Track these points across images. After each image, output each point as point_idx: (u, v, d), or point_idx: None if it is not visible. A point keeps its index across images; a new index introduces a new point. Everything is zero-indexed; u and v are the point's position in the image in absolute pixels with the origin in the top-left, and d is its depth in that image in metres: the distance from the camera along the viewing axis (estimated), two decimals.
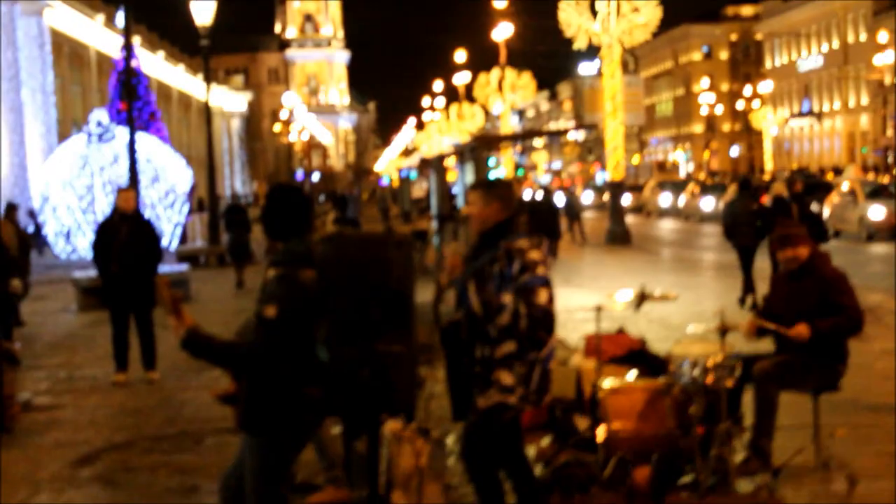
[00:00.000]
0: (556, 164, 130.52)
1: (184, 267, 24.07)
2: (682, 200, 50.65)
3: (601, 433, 7.65)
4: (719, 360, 7.47)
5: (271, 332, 5.12)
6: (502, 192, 6.34)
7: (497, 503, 6.19)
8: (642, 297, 8.16)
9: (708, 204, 46.18)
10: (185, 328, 5.17)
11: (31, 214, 35.25)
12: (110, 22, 56.79)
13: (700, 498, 7.26)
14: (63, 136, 50.62)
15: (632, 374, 8.28)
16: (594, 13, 33.20)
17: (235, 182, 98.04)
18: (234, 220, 25.48)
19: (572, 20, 33.15)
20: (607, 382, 7.84)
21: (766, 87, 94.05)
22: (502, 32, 56.08)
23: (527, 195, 33.66)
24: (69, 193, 34.36)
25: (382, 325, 5.02)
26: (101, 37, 61.04)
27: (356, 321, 4.99)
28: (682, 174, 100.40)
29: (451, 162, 28.45)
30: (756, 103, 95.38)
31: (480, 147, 19.84)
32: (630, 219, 46.00)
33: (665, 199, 54.14)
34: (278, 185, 5.79)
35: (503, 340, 5.96)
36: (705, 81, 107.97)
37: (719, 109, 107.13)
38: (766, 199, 17.84)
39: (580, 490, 7.42)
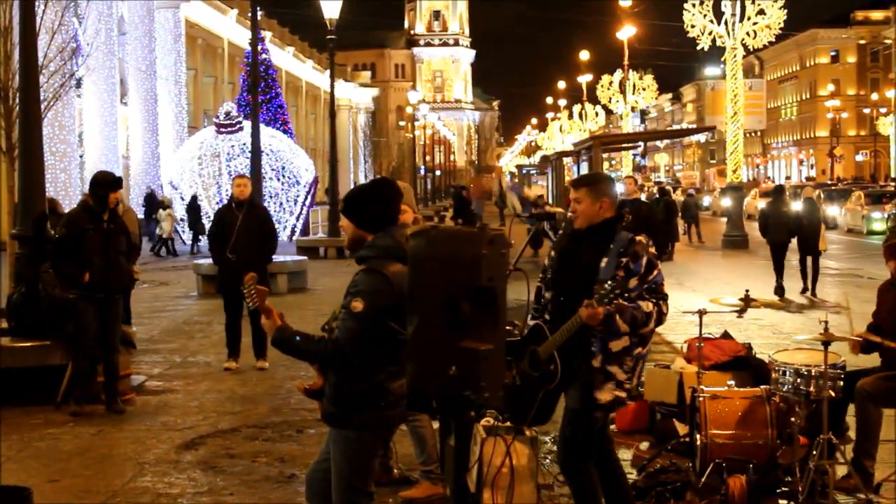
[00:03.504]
0: (678, 167, 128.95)
1: (302, 258, 24.40)
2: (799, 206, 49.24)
3: (698, 439, 7.59)
4: (822, 371, 7.33)
5: (358, 326, 5.15)
6: (608, 189, 6.30)
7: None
8: (746, 304, 8.07)
9: (832, 212, 44.93)
10: (274, 327, 5.26)
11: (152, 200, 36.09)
12: (243, 16, 57.74)
13: None
14: (194, 126, 51.73)
15: (729, 383, 8.16)
16: (719, 15, 32.92)
17: (359, 175, 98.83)
18: None
19: (696, 21, 32.96)
20: (707, 388, 7.77)
21: (893, 92, 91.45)
22: (626, 33, 55.87)
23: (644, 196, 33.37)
24: (197, 182, 35.22)
25: (471, 322, 4.98)
26: (235, 30, 62.14)
27: (445, 317, 4.96)
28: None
29: (567, 161, 28.33)
30: (883, 109, 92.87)
31: (596, 147, 19.73)
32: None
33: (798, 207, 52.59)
34: (370, 182, 5.79)
35: (617, 336, 5.92)
36: (831, 86, 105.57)
37: (845, 114, 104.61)
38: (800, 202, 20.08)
39: (674, 496, 7.36)
